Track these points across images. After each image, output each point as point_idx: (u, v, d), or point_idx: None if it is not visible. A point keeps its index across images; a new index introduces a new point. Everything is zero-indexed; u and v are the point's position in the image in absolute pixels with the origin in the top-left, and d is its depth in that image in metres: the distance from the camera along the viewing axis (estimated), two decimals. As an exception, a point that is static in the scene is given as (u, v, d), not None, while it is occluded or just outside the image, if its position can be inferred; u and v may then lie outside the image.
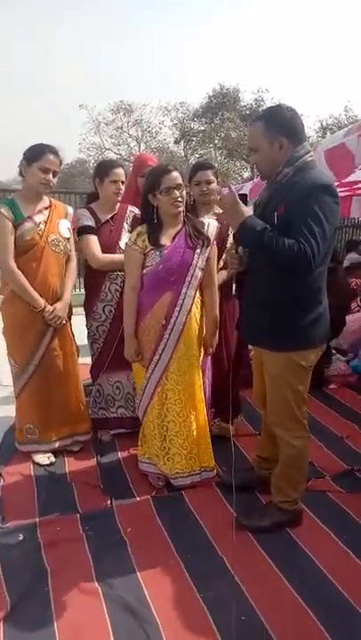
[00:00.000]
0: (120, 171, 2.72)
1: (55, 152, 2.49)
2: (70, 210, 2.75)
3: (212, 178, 2.73)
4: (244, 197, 1.96)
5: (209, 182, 2.72)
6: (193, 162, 21.76)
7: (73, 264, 2.74)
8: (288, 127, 1.89)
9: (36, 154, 2.45)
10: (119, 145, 22.92)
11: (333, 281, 2.41)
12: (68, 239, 2.66)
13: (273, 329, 1.99)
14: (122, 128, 22.68)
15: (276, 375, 2.05)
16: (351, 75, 39.65)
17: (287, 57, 39.28)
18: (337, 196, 1.87)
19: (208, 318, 2.41)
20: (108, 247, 2.72)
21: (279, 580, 1.90)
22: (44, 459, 2.70)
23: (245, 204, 1.93)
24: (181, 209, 2.26)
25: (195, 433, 2.42)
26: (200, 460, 2.46)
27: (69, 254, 2.70)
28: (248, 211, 1.90)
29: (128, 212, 2.81)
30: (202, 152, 22.04)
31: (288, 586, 1.87)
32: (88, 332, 2.90)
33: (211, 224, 2.40)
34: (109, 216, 2.79)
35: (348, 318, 4.28)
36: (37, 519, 2.23)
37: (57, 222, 2.60)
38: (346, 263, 6.06)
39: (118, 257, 2.67)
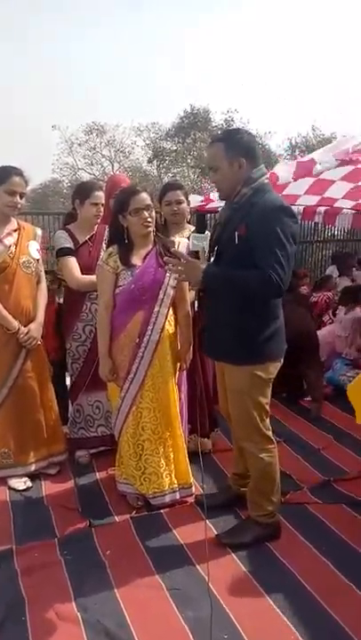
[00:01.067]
0: (101, 194, 2.75)
1: (20, 174, 2.51)
2: (39, 231, 2.77)
3: (182, 198, 2.78)
4: (202, 217, 2.02)
5: (179, 202, 2.77)
6: (167, 181, 22.05)
7: (43, 284, 2.74)
8: (246, 148, 1.99)
9: (1, 176, 2.46)
10: (92, 165, 23.06)
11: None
12: (38, 260, 2.66)
13: (233, 344, 2.04)
14: (95, 148, 22.84)
15: (238, 389, 2.10)
16: (317, 94, 41.07)
17: (254, 78, 40.42)
18: (295, 216, 1.98)
19: (182, 335, 2.44)
20: (88, 268, 2.72)
21: (261, 595, 1.90)
22: (19, 483, 2.65)
23: (205, 223, 1.99)
24: (151, 229, 2.30)
25: (171, 450, 2.42)
26: (178, 477, 2.45)
27: (40, 275, 2.70)
28: (200, 263, 1.96)
29: (106, 232, 2.82)
30: (175, 171, 22.34)
31: (270, 601, 1.87)
32: (68, 353, 2.89)
33: (181, 242, 2.45)
34: (88, 237, 2.81)
35: (321, 332, 4.37)
36: (14, 546, 2.18)
37: (27, 244, 2.61)
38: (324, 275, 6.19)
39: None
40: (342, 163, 3.37)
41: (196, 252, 2.01)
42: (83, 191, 2.77)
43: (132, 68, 38.95)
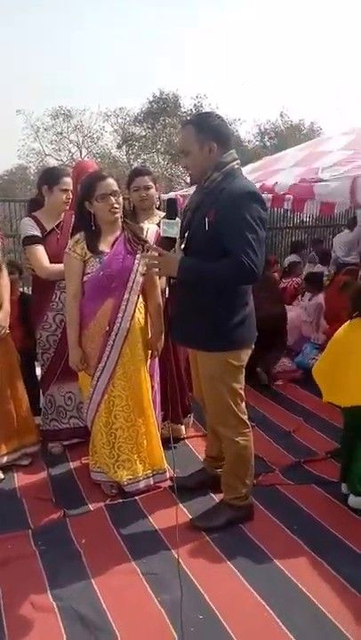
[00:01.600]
0: (69, 179, 2.69)
1: None
2: None
3: (150, 183, 2.75)
4: (172, 202, 2.00)
5: (147, 188, 2.74)
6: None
7: (4, 273, 2.68)
8: (217, 132, 1.97)
9: None
10: (60, 150, 22.53)
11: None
12: None
13: (203, 331, 2.04)
14: (62, 134, 22.31)
15: (210, 375, 2.11)
16: (285, 80, 41.17)
17: (223, 63, 40.17)
18: (264, 202, 1.97)
19: (153, 323, 2.42)
20: (56, 256, 2.65)
21: (234, 576, 1.94)
22: (-9, 476, 2.62)
23: (175, 209, 1.97)
24: (119, 215, 2.26)
25: (144, 437, 2.43)
26: (151, 462, 2.47)
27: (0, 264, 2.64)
28: (176, 255, 1.95)
29: (73, 219, 2.78)
30: (145, 157, 22.07)
31: (243, 581, 1.91)
32: (38, 343, 2.84)
33: (150, 229, 2.42)
34: (55, 224, 2.74)
35: (290, 315, 4.43)
36: (-14, 539, 2.16)
37: None
38: (285, 264, 6.27)
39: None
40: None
41: (167, 238, 1.99)
42: (51, 177, 2.71)
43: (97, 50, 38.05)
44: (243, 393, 2.16)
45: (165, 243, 1.98)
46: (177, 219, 1.96)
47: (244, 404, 2.18)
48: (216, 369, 2.07)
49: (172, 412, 2.87)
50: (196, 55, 40.01)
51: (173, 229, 1.95)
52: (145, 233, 2.35)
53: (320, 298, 4.56)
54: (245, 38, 39.81)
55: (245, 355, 2.13)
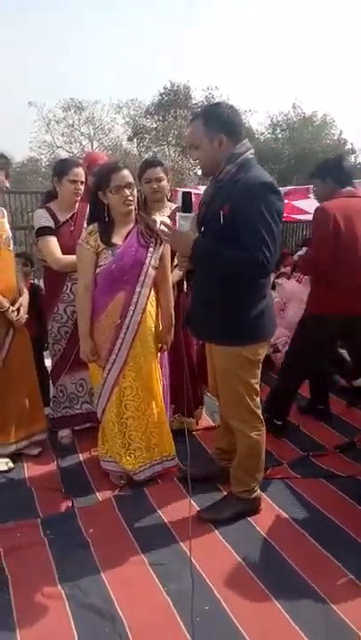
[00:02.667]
0: (80, 170, 2.68)
1: (2, 155, 2.50)
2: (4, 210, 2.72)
3: (162, 175, 2.73)
4: (187, 196, 1.98)
5: (159, 180, 2.72)
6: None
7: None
8: (227, 124, 1.91)
9: None
10: (71, 143, 22.54)
11: None
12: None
13: (221, 325, 2.02)
14: (73, 126, 22.30)
15: (226, 369, 2.09)
16: (298, 73, 40.68)
17: (235, 55, 39.76)
18: (280, 193, 1.92)
19: (163, 316, 2.43)
20: (69, 248, 2.66)
21: (241, 568, 1.95)
22: (1, 465, 2.64)
23: (190, 203, 1.95)
24: (132, 207, 2.26)
25: (154, 425, 2.45)
26: (160, 449, 2.49)
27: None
28: (191, 233, 1.93)
29: (87, 210, 2.77)
30: (156, 149, 21.98)
31: (250, 573, 1.92)
32: (49, 334, 2.86)
33: (163, 221, 2.41)
34: (69, 215, 2.74)
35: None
36: (-4, 527, 2.19)
37: (2, 221, 2.57)
38: (296, 258, 6.22)
39: None
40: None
41: (189, 194, 1.97)
42: (60, 168, 2.71)
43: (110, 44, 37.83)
44: (258, 388, 2.14)
45: None
46: (192, 213, 1.95)
47: (258, 399, 2.16)
48: (232, 363, 2.05)
49: (183, 403, 2.88)
50: (203, 49, 39.62)
51: (187, 223, 1.94)
52: (158, 225, 2.35)
53: None
54: (253, 34, 39.33)
55: (263, 349, 2.10)
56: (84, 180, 2.71)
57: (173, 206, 2.86)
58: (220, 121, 1.91)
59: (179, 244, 1.96)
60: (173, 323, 2.45)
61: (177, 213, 2.00)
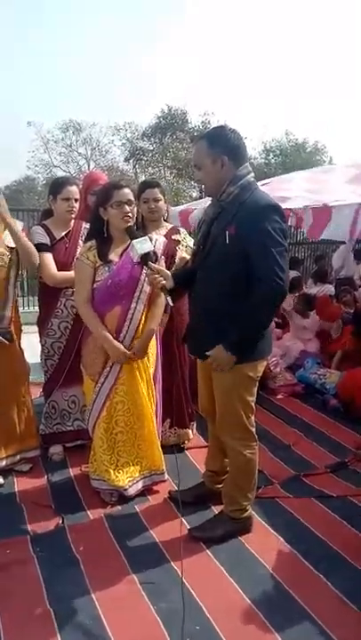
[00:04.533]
0: (73, 188, 2.72)
1: None
2: (20, 224, 2.72)
3: (160, 196, 2.80)
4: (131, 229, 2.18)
5: (157, 200, 2.79)
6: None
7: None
8: (230, 147, 1.97)
9: None
10: (68, 163, 22.87)
11: None
12: (12, 249, 2.58)
13: (220, 343, 2.00)
14: (71, 146, 22.67)
15: (226, 387, 2.10)
16: (291, 101, 41.84)
17: (232, 82, 40.83)
18: (283, 214, 1.99)
19: (147, 324, 2.39)
20: (64, 264, 2.71)
21: (232, 587, 1.94)
22: (-8, 480, 2.62)
23: (133, 232, 2.14)
24: (131, 224, 2.30)
25: (142, 437, 2.45)
26: (149, 463, 2.49)
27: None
28: (220, 351, 1.98)
29: (83, 228, 2.80)
30: (152, 171, 22.33)
31: (241, 593, 1.90)
32: (42, 349, 2.87)
33: (159, 239, 2.47)
34: (64, 233, 2.79)
35: (289, 344, 4.56)
36: (-15, 543, 2.16)
37: (1, 236, 2.58)
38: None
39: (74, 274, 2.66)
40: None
41: (147, 254, 2.04)
42: (54, 187, 2.76)
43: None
44: (254, 406, 2.16)
45: (147, 259, 2.05)
46: (146, 236, 2.10)
47: (253, 417, 2.18)
48: (232, 381, 2.06)
49: (178, 416, 2.91)
50: (203, 70, 40.68)
51: (147, 244, 2.06)
52: (154, 243, 2.39)
53: (316, 317, 4.75)
54: (253, 57, 40.44)
55: (261, 367, 2.12)
56: (77, 197, 2.74)
57: (170, 226, 2.93)
58: (222, 143, 1.97)
59: (226, 364, 2.00)
60: (151, 336, 2.42)
61: (132, 241, 2.10)
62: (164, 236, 2.71)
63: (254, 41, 40.65)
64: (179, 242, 2.84)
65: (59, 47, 37.00)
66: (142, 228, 2.54)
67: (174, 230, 2.91)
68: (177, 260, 2.78)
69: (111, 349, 2.30)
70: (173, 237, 2.83)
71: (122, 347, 2.31)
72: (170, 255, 2.75)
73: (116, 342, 2.30)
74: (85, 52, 39.04)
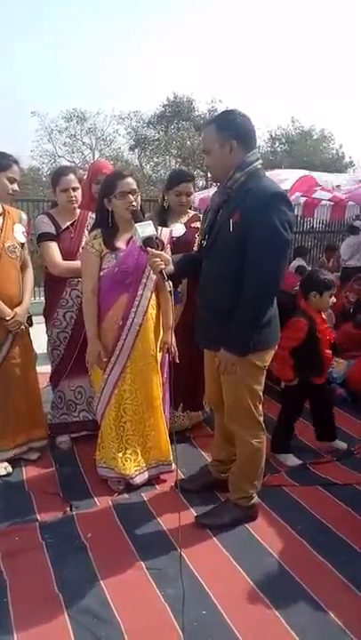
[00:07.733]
0: (69, 177, 2.68)
1: (17, 162, 2.57)
2: (24, 215, 2.73)
3: (192, 190, 2.85)
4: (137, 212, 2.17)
5: (189, 194, 2.83)
6: (149, 170, 21.86)
7: (30, 269, 2.72)
8: (239, 131, 1.93)
9: (3, 164, 2.48)
10: (73, 153, 22.74)
11: None
12: (23, 244, 2.63)
13: (227, 333, 1.99)
14: (75, 136, 22.53)
15: (234, 377, 2.09)
16: (296, 88, 41.27)
17: (239, 70, 40.28)
18: (291, 203, 1.96)
19: (164, 319, 2.45)
20: (69, 254, 2.70)
21: (238, 573, 1.95)
22: (0, 469, 2.65)
23: (138, 216, 2.13)
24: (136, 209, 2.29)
25: (151, 429, 2.47)
26: (156, 453, 2.50)
27: (25, 260, 2.68)
28: (225, 353, 1.99)
29: (89, 218, 2.79)
30: (157, 160, 22.17)
31: (247, 579, 1.92)
32: (48, 339, 2.88)
33: (164, 230, 2.46)
34: (69, 222, 2.78)
35: None
36: (-6, 530, 2.19)
37: (12, 228, 2.59)
38: (291, 269, 6.28)
39: (79, 264, 2.65)
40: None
41: (149, 238, 2.02)
42: (53, 179, 2.76)
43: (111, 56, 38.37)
44: (261, 395, 2.16)
45: (149, 243, 2.02)
46: (148, 220, 2.08)
47: (261, 407, 2.18)
48: (240, 370, 2.05)
49: (190, 400, 2.93)
50: (210, 58, 40.20)
51: (150, 229, 2.02)
52: (158, 232, 2.38)
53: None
54: (261, 46, 39.89)
55: (269, 356, 2.11)
56: (76, 185, 2.70)
57: (192, 213, 2.95)
58: (232, 127, 1.93)
59: (231, 366, 1.99)
60: (172, 324, 2.46)
61: (135, 225, 2.06)
62: (185, 224, 2.78)
63: (259, 28, 40.04)
64: (197, 229, 2.82)
65: (65, 37, 36.58)
66: (165, 214, 2.59)
67: (195, 218, 2.91)
68: (195, 247, 2.77)
69: (91, 347, 2.36)
70: (192, 225, 2.84)
71: (97, 352, 2.33)
72: (188, 242, 2.76)
73: (97, 344, 2.34)
74: (87, 44, 38.63)
